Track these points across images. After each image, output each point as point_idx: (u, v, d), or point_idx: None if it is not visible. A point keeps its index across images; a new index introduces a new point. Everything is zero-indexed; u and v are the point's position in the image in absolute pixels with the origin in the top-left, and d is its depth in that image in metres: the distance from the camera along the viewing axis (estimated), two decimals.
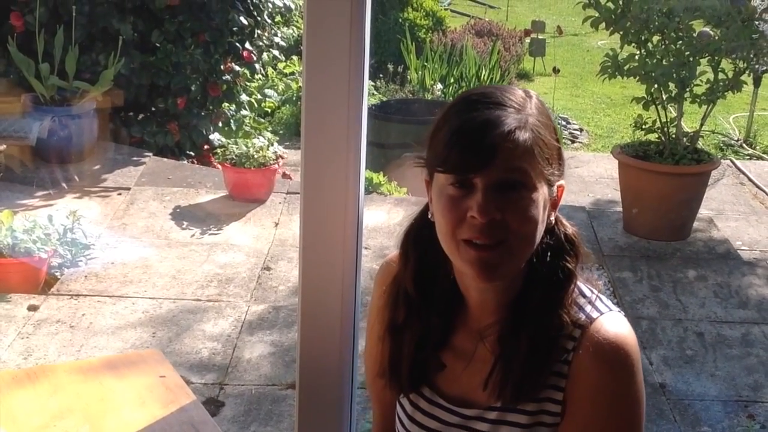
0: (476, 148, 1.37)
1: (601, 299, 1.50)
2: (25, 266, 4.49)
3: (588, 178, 7.21)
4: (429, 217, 1.49)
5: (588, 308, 1.48)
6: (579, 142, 8.89)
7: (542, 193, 1.41)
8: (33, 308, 4.35)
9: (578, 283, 1.50)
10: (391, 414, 1.67)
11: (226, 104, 7.01)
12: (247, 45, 6.81)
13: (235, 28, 6.65)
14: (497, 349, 1.48)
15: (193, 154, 6.74)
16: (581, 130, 9.25)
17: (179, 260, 4.94)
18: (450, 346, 1.56)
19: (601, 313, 1.47)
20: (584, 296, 1.50)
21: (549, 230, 1.47)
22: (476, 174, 1.37)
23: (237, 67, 6.82)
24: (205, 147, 6.77)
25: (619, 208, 5.79)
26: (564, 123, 9.20)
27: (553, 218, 1.48)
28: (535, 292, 1.46)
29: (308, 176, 1.63)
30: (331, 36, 1.57)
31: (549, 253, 1.47)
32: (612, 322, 1.46)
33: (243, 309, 4.45)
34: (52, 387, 2.28)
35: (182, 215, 5.55)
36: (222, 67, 6.68)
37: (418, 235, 1.55)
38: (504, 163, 1.36)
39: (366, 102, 1.64)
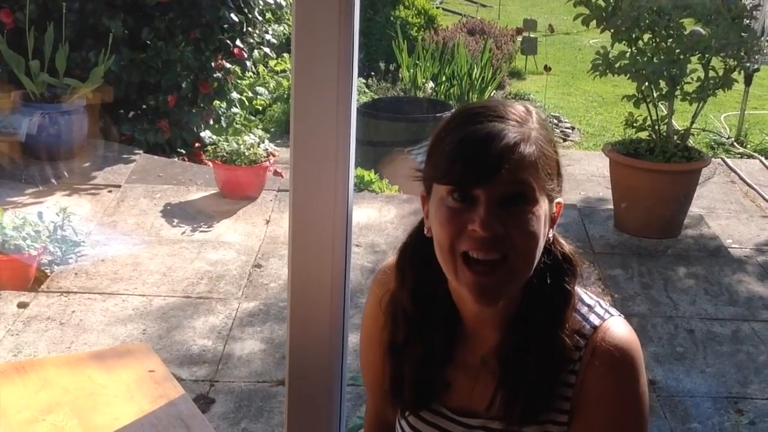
0: (480, 160, 1.33)
1: (600, 304, 1.49)
2: (14, 263, 4.48)
3: (579, 176, 7.22)
4: (425, 233, 1.45)
5: (590, 316, 1.47)
6: (570, 140, 8.90)
7: (543, 209, 1.38)
8: (23, 305, 4.34)
9: (576, 289, 1.48)
10: (385, 408, 1.66)
11: (217, 102, 7.00)
12: (238, 42, 6.80)
13: (225, 26, 6.64)
14: (500, 370, 1.46)
15: (183, 151, 6.73)
16: (573, 128, 9.27)
17: (170, 257, 4.93)
18: (454, 362, 1.52)
19: (603, 320, 1.46)
20: (585, 303, 1.48)
21: (546, 250, 1.43)
22: (479, 186, 1.34)
23: (228, 65, 6.81)
24: (196, 144, 6.76)
25: (611, 206, 5.80)
26: (555, 121, 9.21)
27: (551, 235, 1.45)
28: (535, 312, 1.44)
29: (297, 174, 1.63)
30: (319, 33, 1.56)
31: (548, 274, 1.44)
32: (615, 328, 1.45)
33: (234, 306, 4.44)
34: (40, 381, 2.28)
35: (173, 212, 5.54)
36: (213, 64, 6.67)
37: (415, 252, 1.51)
38: (509, 176, 1.33)
39: (355, 99, 1.64)
